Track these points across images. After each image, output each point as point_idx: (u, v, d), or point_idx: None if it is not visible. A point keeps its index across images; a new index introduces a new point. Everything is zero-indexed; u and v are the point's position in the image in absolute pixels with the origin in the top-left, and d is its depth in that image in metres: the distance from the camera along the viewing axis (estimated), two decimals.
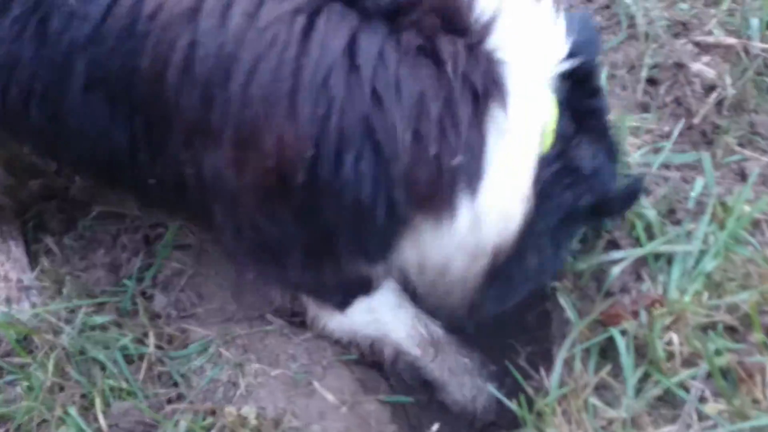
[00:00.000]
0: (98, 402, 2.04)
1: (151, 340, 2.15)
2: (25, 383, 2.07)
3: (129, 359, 2.15)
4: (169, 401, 2.08)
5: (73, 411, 2.02)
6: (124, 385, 2.08)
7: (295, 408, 2.04)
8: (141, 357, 2.14)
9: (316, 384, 2.10)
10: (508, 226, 1.54)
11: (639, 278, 1.91)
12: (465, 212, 1.49)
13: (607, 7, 2.87)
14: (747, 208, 1.99)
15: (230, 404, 2.03)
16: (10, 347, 2.16)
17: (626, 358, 1.73)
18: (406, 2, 1.41)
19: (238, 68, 1.39)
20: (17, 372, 2.13)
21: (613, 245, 1.94)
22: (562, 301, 1.92)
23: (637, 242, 1.93)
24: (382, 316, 2.02)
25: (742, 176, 2.15)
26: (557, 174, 1.54)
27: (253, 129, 1.42)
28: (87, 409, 2.05)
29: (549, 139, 1.53)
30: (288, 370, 2.13)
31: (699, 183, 2.07)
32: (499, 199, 1.50)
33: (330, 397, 2.07)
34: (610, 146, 1.72)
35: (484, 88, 1.40)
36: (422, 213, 1.50)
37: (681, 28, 2.62)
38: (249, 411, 2.02)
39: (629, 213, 1.94)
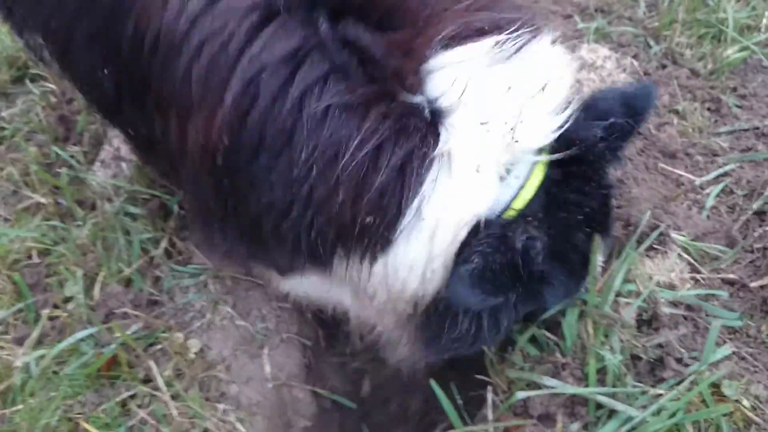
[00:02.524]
0: (102, 275, 2.33)
1: (163, 245, 2.37)
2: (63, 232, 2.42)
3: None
4: (151, 303, 2.30)
5: (79, 274, 2.32)
6: (126, 271, 2.34)
7: (234, 362, 2.15)
8: (150, 256, 2.37)
9: (265, 351, 2.19)
10: (426, 284, 1.54)
11: (571, 415, 1.72)
12: (380, 259, 1.52)
13: None
14: (744, 402, 1.69)
15: (185, 330, 2.21)
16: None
17: None
18: (368, 55, 1.41)
19: (186, 49, 1.46)
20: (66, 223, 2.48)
21: (556, 370, 1.75)
22: (489, 397, 1.80)
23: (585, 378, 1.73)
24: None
25: None
26: (494, 254, 1.42)
27: (189, 107, 1.50)
28: (91, 277, 2.34)
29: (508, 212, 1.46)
30: (252, 327, 2.24)
31: (711, 346, 1.77)
32: (414, 257, 1.49)
33: (268, 368, 2.15)
34: (574, 258, 1.57)
35: (416, 148, 1.39)
36: (339, 244, 1.53)
37: None
38: (194, 344, 2.18)
39: (592, 347, 1.73)
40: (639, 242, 2.01)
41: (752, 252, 2.03)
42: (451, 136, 1.39)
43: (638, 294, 1.88)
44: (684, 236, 2.05)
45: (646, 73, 2.62)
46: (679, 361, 1.79)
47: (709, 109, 2.52)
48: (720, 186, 2.23)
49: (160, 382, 2.02)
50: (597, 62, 2.59)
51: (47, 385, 2.07)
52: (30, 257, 2.43)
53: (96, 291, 2.32)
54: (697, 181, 2.27)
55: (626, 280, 1.91)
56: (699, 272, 2.01)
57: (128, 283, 2.36)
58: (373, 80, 1.41)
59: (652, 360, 1.79)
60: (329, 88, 1.39)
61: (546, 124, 1.45)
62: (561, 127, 1.45)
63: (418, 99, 1.40)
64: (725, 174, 2.28)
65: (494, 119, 1.39)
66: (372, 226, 1.44)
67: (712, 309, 1.88)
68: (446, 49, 1.39)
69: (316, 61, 1.40)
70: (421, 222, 1.43)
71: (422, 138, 1.39)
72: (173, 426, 1.95)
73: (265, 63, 1.40)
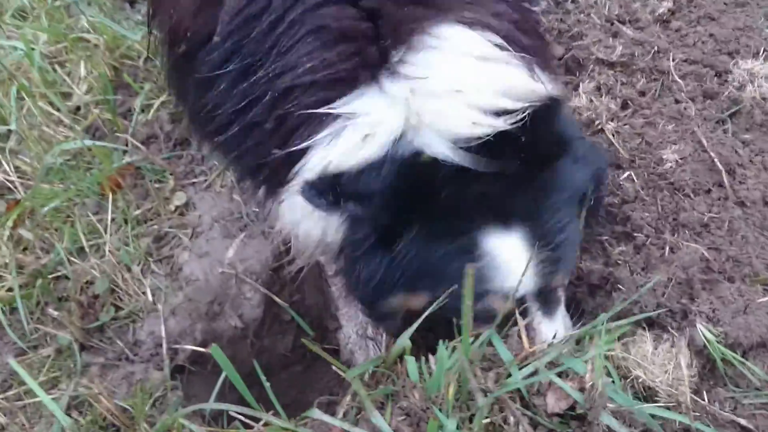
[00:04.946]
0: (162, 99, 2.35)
1: None
2: None
3: None
4: (180, 141, 2.27)
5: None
6: None
7: (205, 231, 2.06)
8: None
9: (241, 235, 2.04)
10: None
11: None
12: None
13: None
14: None
15: (184, 180, 2.14)
16: None
17: None
18: None
19: None
20: None
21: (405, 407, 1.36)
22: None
23: None
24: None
25: None
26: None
27: None
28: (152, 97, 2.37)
29: None
30: (245, 206, 2.10)
31: None
32: None
33: (231, 253, 2.01)
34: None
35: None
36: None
37: None
38: (179, 197, 2.11)
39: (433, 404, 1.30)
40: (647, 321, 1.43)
41: None
42: (372, 101, 1.40)
43: (579, 380, 1.35)
44: (715, 335, 1.41)
45: None
46: None
47: None
48: None
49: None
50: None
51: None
52: None
53: (152, 109, 2.34)
54: None
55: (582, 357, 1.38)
56: (707, 391, 1.38)
57: (177, 114, 2.33)
58: (362, 19, 1.42)
59: None
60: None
61: (472, 124, 1.37)
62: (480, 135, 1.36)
63: (389, 57, 1.39)
64: None
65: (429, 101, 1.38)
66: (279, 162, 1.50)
67: None
68: (451, 26, 1.41)
69: None
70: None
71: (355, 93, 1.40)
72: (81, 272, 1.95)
73: None
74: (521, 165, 1.41)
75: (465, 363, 1.26)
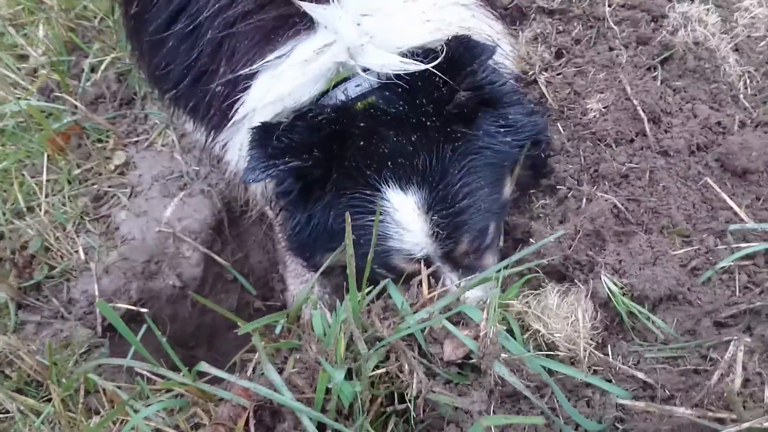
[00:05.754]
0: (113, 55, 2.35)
1: None
2: None
3: None
4: (126, 100, 2.27)
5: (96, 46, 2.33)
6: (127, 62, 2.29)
7: (144, 191, 2.06)
8: None
9: (180, 194, 2.04)
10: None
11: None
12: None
13: None
14: None
15: (126, 139, 2.13)
16: None
17: None
18: None
19: None
20: None
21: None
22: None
23: None
24: None
25: None
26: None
27: None
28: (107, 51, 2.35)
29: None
30: (185, 165, 2.10)
31: None
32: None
33: (169, 212, 2.01)
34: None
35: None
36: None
37: None
38: (118, 156, 2.11)
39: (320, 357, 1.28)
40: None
41: (706, 360, 1.29)
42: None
43: (475, 328, 1.33)
44: (620, 287, 1.37)
45: None
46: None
47: None
48: (763, 246, 1.42)
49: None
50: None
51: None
52: None
53: (101, 69, 2.32)
54: (741, 226, 1.46)
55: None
56: (613, 345, 1.36)
57: (125, 73, 2.31)
58: None
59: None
60: None
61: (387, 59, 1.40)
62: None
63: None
64: None
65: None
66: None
67: (566, 404, 1.26)
68: None
69: None
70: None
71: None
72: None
73: None
74: (441, 118, 1.40)
75: (350, 311, 1.24)
